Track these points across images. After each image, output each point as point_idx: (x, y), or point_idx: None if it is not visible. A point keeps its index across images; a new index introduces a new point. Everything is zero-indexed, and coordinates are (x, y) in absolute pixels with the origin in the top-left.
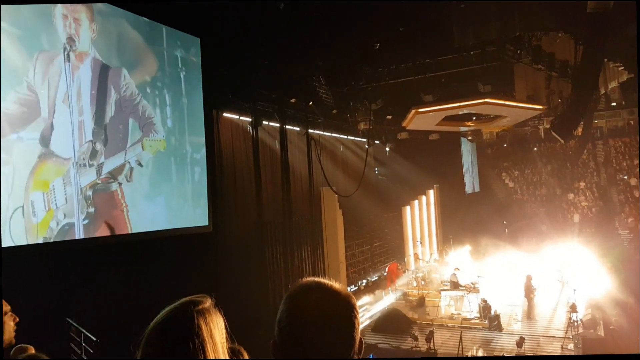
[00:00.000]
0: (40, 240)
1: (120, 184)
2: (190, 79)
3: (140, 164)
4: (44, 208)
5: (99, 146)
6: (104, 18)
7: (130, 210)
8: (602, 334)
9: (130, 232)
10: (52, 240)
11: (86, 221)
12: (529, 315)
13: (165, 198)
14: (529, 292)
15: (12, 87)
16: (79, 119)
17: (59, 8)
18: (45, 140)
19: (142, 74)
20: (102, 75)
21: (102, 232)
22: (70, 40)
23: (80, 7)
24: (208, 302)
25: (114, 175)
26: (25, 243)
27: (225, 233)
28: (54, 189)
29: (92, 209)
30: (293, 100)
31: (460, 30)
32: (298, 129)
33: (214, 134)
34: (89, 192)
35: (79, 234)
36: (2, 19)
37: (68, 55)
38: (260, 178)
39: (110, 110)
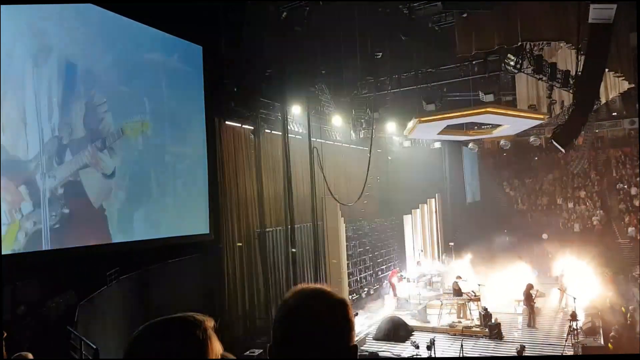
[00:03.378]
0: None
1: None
2: (192, 87)
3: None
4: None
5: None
6: (97, 22)
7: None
8: (602, 342)
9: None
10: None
11: (57, 225)
12: (530, 323)
13: (168, 206)
14: (529, 300)
15: None
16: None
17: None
18: None
19: (143, 83)
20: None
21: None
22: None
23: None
24: (200, 323)
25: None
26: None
27: (227, 241)
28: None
29: (66, 210)
30: (296, 108)
31: (463, 40)
32: (300, 137)
33: (215, 142)
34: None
35: (46, 241)
36: None
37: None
38: (262, 186)
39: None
